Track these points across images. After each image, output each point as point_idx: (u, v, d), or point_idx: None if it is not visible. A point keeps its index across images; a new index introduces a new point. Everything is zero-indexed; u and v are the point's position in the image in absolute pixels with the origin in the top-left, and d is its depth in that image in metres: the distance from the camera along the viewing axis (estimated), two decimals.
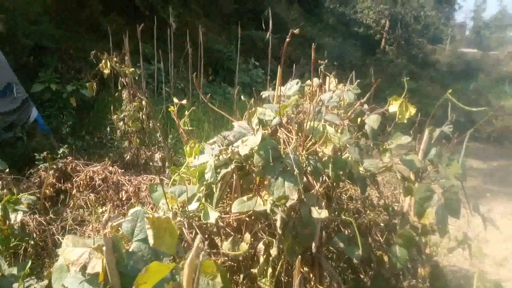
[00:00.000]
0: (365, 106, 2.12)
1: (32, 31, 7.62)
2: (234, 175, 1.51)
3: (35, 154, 4.64)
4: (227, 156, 1.55)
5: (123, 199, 4.19)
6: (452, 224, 1.73)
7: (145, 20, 8.94)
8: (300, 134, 1.63)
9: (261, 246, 1.51)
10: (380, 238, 2.39)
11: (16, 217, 2.41)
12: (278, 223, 1.43)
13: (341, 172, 1.66)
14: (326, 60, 2.16)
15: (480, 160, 8.58)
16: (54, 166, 4.36)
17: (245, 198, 1.49)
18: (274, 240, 1.51)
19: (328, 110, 1.98)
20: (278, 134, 1.69)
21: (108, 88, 7.66)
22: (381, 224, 2.48)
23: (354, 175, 1.80)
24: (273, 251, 1.49)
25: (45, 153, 2.05)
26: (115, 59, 4.86)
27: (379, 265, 1.99)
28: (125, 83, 5.11)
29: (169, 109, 1.85)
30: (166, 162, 5.11)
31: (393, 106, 1.96)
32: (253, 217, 1.59)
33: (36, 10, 8.30)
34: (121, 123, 5.26)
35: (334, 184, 1.80)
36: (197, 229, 1.44)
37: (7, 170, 1.88)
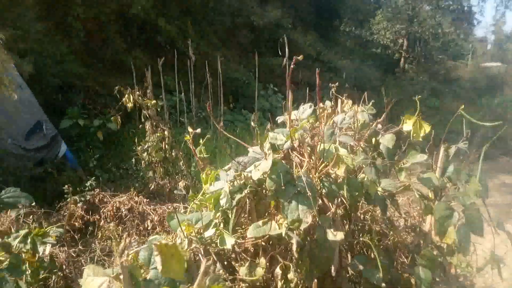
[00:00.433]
0: (379, 126, 2.12)
1: (59, 71, 8.06)
2: (248, 200, 1.53)
3: (64, 188, 4.81)
4: (241, 181, 1.58)
5: (149, 228, 4.25)
6: (479, 243, 1.68)
7: (166, 54, 9.32)
8: (313, 157, 1.65)
9: (278, 270, 1.51)
10: (406, 259, 2.33)
11: (44, 250, 2.48)
12: (294, 247, 1.43)
13: (357, 193, 1.65)
14: (337, 83, 2.19)
15: None
16: (83, 199, 4.51)
17: (260, 222, 1.50)
18: (291, 264, 1.51)
19: (341, 132, 2.00)
20: (290, 157, 1.71)
21: (133, 121, 7.92)
22: (407, 245, 2.42)
23: (372, 196, 1.79)
24: (291, 275, 1.48)
25: (67, 185, 2.14)
26: (137, 92, 5.06)
27: None
28: (148, 115, 5.29)
29: (185, 138, 1.91)
30: (190, 190, 5.18)
31: (407, 125, 1.95)
32: (269, 242, 1.59)
33: (63, 51, 8.78)
34: (145, 153, 5.41)
35: (351, 205, 1.78)
36: (213, 256, 1.46)
37: (33, 203, 1.97)
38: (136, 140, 5.49)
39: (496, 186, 7.25)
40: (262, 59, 10.63)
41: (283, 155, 1.69)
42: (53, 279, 2.98)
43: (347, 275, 1.95)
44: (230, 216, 1.55)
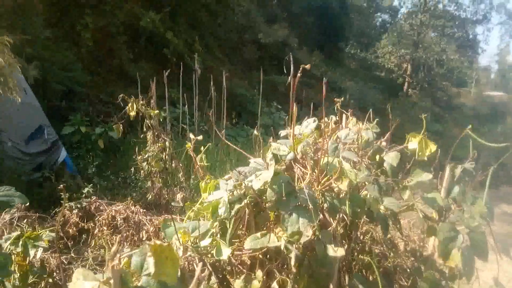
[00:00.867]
0: (383, 143, 2.09)
1: (65, 77, 8.11)
2: (247, 209, 1.49)
3: (61, 194, 4.75)
4: (241, 191, 1.54)
5: (144, 238, 4.18)
6: (481, 269, 1.62)
7: (172, 67, 9.39)
8: (315, 170, 1.61)
9: (275, 285, 1.45)
10: (406, 283, 2.26)
11: (36, 253, 2.42)
12: (292, 261, 1.38)
13: (359, 210, 1.61)
14: (342, 98, 2.18)
15: None
16: (78, 205, 4.45)
17: (258, 234, 1.45)
18: (288, 279, 1.45)
19: (345, 147, 1.97)
20: (293, 169, 1.67)
21: (135, 131, 7.91)
22: (407, 269, 2.35)
23: (374, 214, 1.74)
24: None
25: (62, 185, 2.09)
26: (141, 102, 5.06)
27: None
28: (150, 125, 5.28)
29: (186, 146, 1.88)
30: (188, 203, 5.11)
31: (413, 143, 1.92)
32: (267, 256, 1.54)
33: (70, 58, 8.86)
34: (145, 163, 5.37)
35: (353, 223, 1.74)
36: (209, 266, 1.41)
37: (27, 203, 1.91)
38: (136, 150, 5.46)
39: (496, 215, 7.16)
40: (266, 76, 10.71)
41: (285, 167, 1.66)
42: (42, 284, 2.90)
43: None
44: (228, 226, 1.51)
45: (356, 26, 22.45)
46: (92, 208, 4.53)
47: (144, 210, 4.67)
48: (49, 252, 3.43)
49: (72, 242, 4.09)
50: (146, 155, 5.35)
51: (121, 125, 5.06)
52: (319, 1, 20.77)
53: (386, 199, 1.83)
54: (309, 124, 2.21)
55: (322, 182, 1.58)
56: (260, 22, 16.21)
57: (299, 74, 1.40)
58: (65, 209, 4.56)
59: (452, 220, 1.63)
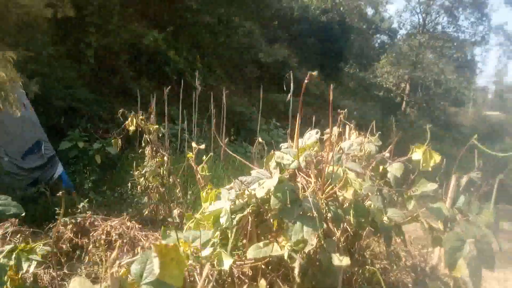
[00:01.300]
0: (387, 154, 2.07)
1: (66, 94, 8.13)
2: (250, 218, 1.45)
3: (56, 209, 4.67)
4: (243, 200, 1.50)
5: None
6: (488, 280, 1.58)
7: (172, 84, 9.44)
8: (319, 179, 1.58)
9: None
10: None
11: (29, 267, 2.35)
12: (296, 270, 1.33)
13: (363, 220, 1.57)
14: (346, 109, 2.17)
15: None
16: (73, 221, 4.36)
17: (261, 244, 1.41)
18: None
19: (348, 158, 1.94)
20: (296, 179, 1.64)
21: (133, 147, 7.88)
22: (409, 284, 2.30)
23: (378, 224, 1.71)
24: None
25: (60, 193, 2.05)
26: (141, 117, 5.04)
27: None
28: (149, 140, 5.24)
29: (187, 156, 1.85)
30: (184, 219, 5.03)
31: (417, 154, 1.90)
32: (270, 266, 1.49)
33: (71, 75, 8.90)
34: (142, 178, 5.31)
35: (356, 233, 1.70)
36: (210, 276, 1.36)
37: (23, 213, 1.86)
38: (134, 165, 5.41)
39: None
40: (266, 95, 10.77)
41: (288, 176, 1.63)
42: None
43: None
44: (229, 235, 1.46)
45: (356, 47, 22.78)
46: (87, 223, 4.44)
47: (140, 226, 4.58)
48: (42, 268, 3.35)
49: (65, 258, 3.99)
50: (144, 170, 5.29)
51: (119, 139, 5.02)
52: (319, 22, 21.15)
53: (390, 210, 1.80)
54: (312, 135, 2.20)
55: (326, 191, 1.55)
56: (261, 42, 16.44)
57: (304, 85, 1.39)
58: (59, 225, 4.48)
59: (458, 230, 1.59)
